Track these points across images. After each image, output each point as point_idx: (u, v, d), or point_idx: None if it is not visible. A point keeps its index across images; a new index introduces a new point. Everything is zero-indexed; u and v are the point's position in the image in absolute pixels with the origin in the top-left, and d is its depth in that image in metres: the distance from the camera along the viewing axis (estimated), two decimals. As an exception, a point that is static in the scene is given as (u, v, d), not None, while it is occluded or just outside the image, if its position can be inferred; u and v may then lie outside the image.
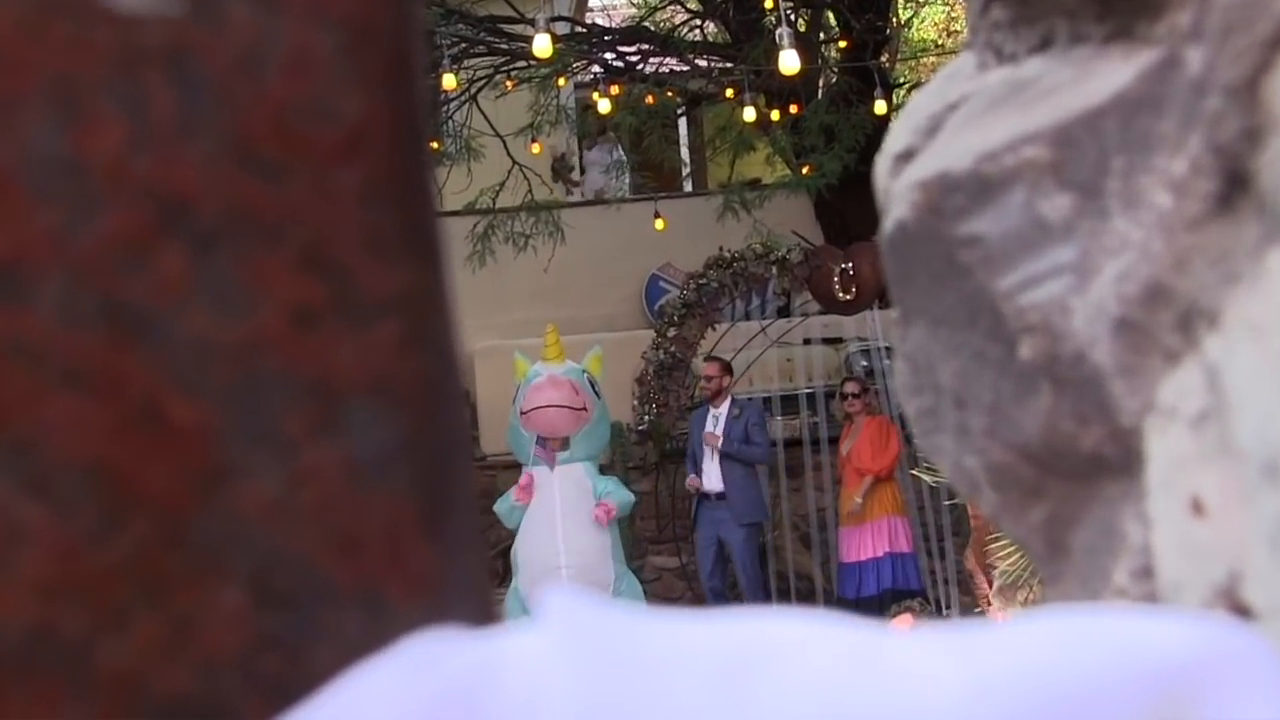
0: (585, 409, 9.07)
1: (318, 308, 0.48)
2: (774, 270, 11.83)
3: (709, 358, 11.12)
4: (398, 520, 0.48)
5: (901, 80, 16.01)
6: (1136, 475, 0.70)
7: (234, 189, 0.47)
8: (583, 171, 16.80)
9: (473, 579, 0.50)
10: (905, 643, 0.43)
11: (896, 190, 0.80)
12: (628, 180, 16.18)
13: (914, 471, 8.92)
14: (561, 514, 8.93)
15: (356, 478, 0.48)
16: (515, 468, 10.13)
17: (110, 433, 0.46)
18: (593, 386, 9.19)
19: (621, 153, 15.64)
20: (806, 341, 12.78)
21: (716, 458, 10.38)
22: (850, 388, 10.67)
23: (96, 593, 0.46)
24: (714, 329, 12.04)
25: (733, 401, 10.64)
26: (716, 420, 10.49)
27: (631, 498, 9.35)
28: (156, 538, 0.46)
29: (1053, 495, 0.76)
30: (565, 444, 9.09)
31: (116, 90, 0.47)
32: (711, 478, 10.44)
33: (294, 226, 0.48)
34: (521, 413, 9.03)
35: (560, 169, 16.25)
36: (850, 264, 11.55)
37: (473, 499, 0.50)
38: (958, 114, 0.81)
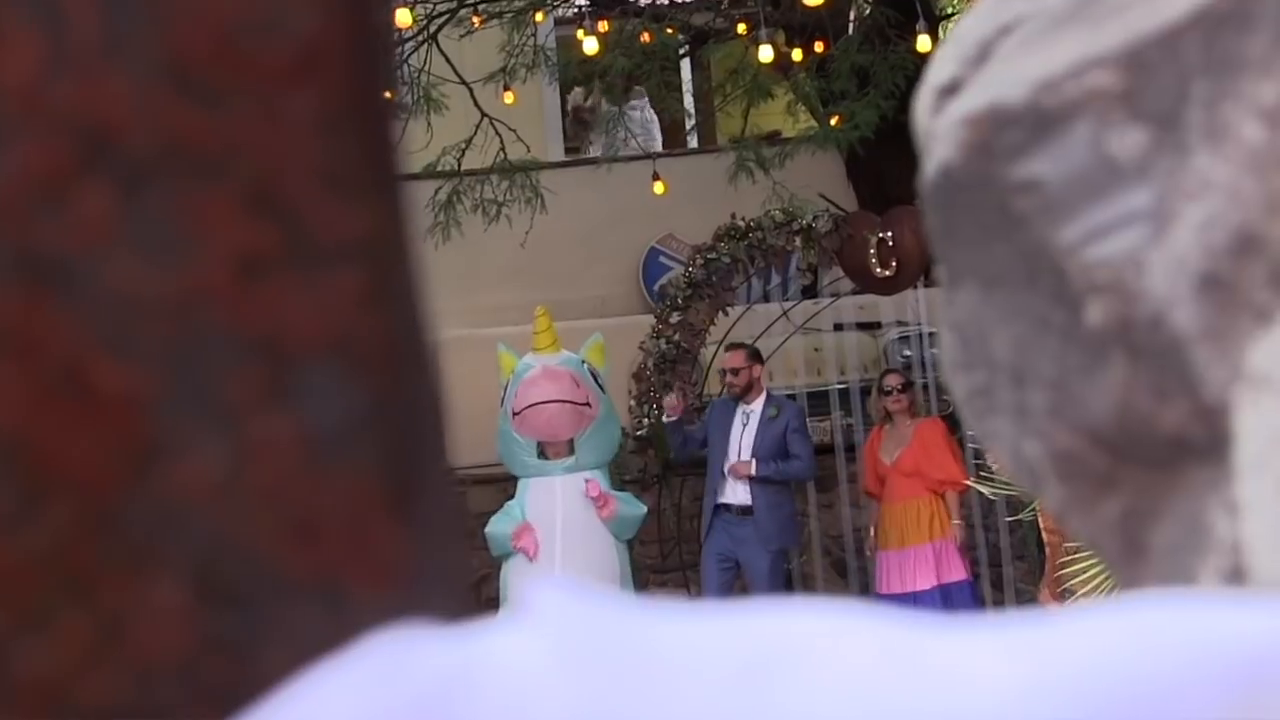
0: (589, 404, 9.03)
1: (266, 255, 0.49)
2: (797, 242, 11.81)
3: (732, 345, 10.92)
4: (361, 501, 0.50)
5: (949, 10, 15.98)
6: (1225, 459, 0.71)
7: (168, 118, 0.49)
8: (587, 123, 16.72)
9: (448, 567, 0.51)
10: (950, 638, 0.44)
11: (939, 129, 0.81)
12: (659, 142, 16.13)
13: (970, 481, 8.90)
14: (562, 532, 8.89)
15: (313, 452, 0.50)
16: (489, 483, 10.09)
17: (27, 403, 0.48)
18: (595, 379, 9.14)
19: (650, 110, 15.57)
20: (838, 327, 12.76)
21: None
22: (892, 381, 10.62)
23: (12, 588, 0.47)
24: (726, 313, 12.02)
25: (769, 398, 10.43)
26: (748, 418, 10.23)
27: (642, 511, 9.29)
28: (82, 524, 0.48)
29: (1128, 486, 0.77)
30: (570, 449, 9.05)
31: (30, 4, 0.48)
32: (737, 490, 10.19)
33: (238, 161, 0.49)
34: (513, 413, 8.97)
35: (588, 120, 16.06)
36: (889, 233, 11.53)
37: (448, 475, 0.52)
38: (1012, 38, 0.82)
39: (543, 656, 0.43)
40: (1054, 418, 0.77)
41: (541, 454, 9.11)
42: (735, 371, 10.34)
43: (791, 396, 12.12)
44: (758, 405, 10.29)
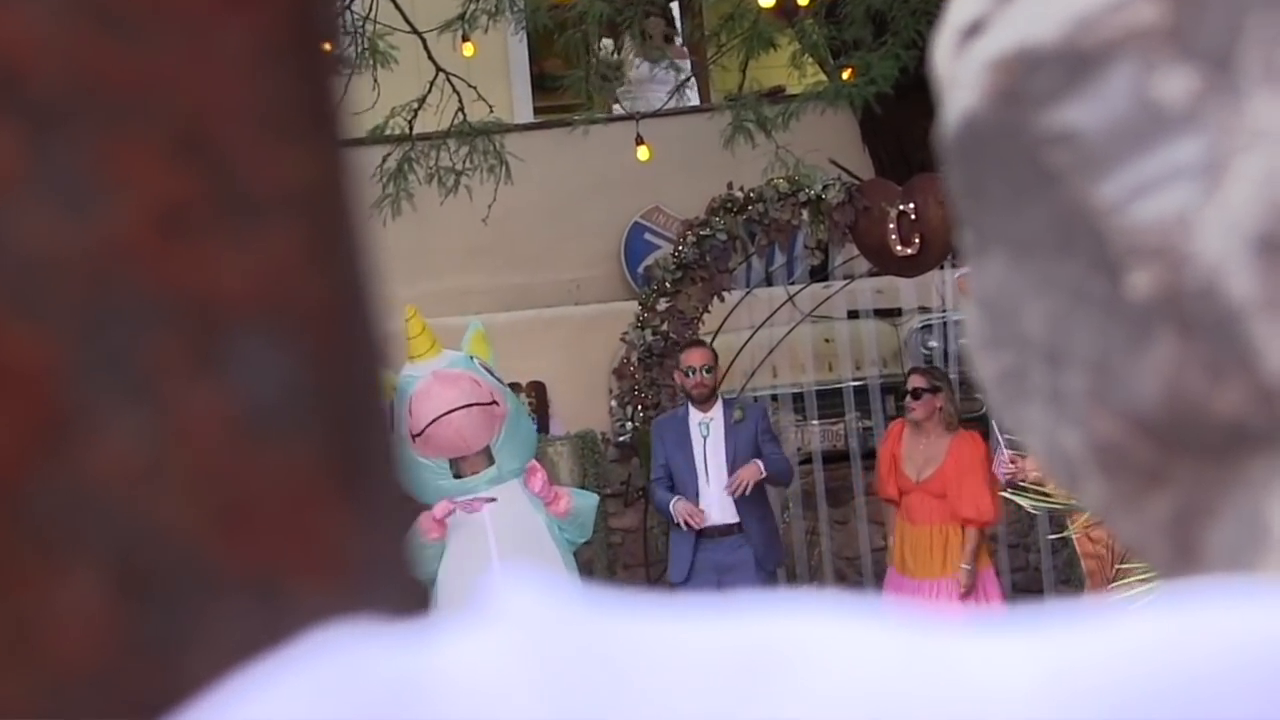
0: (496, 403, 8.94)
1: (192, 206, 0.50)
2: (804, 215, 11.81)
3: (691, 343, 10.73)
4: (300, 482, 0.51)
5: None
6: (1287, 445, 0.71)
7: (83, 52, 0.49)
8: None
9: (397, 557, 0.52)
10: (972, 639, 0.45)
11: (962, 74, 0.82)
12: (696, 97, 16.10)
13: (1003, 494, 8.88)
14: (498, 555, 8.78)
15: (246, 428, 0.51)
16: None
17: (-79, 374, 0.49)
18: (490, 374, 9.07)
19: (683, 63, 15.51)
20: (852, 314, 12.75)
21: (721, 480, 10.01)
22: (914, 382, 10.51)
23: (-93, 585, 0.48)
24: (721, 299, 12.02)
25: (724, 402, 10.35)
26: (708, 428, 10.08)
27: (595, 500, 9.17)
28: None
29: (1179, 480, 0.77)
30: (488, 459, 8.96)
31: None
32: (720, 505, 10.03)
33: (161, 102, 0.50)
34: (413, 436, 8.86)
35: (610, 75, 15.85)
36: (911, 204, 11.53)
37: (395, 454, 0.53)
38: (1044, -32, 0.83)
39: (508, 661, 0.44)
40: (1094, 403, 0.77)
41: (457, 473, 9.00)
42: (708, 369, 10.17)
43: (798, 394, 12.07)
44: (715, 412, 10.17)
